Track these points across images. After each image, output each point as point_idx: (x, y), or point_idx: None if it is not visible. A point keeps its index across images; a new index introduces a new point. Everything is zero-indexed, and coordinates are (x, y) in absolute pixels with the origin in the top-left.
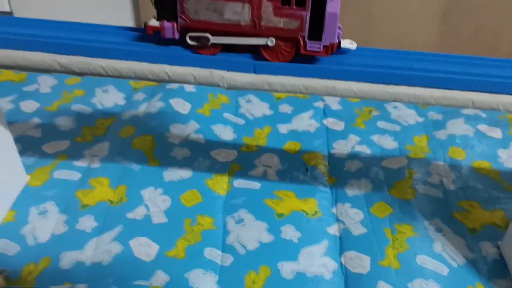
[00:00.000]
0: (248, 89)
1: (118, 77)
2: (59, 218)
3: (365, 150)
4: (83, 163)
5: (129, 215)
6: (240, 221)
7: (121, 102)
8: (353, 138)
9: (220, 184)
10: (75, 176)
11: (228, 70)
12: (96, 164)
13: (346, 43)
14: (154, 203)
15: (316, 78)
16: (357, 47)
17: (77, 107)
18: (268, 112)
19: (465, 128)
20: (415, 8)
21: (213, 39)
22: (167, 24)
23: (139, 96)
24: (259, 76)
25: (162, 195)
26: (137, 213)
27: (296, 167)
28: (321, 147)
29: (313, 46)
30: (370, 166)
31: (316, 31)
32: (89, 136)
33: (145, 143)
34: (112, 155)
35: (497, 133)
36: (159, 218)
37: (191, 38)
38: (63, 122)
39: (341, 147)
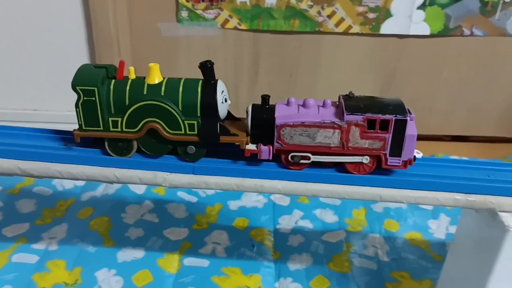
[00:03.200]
0: (187, 188)
1: (72, 179)
2: None
3: (307, 224)
4: (41, 245)
5: None
6: None
7: (81, 183)
8: (297, 213)
9: (171, 263)
10: (33, 259)
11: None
12: (53, 247)
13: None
14: (108, 284)
15: (247, 178)
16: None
17: (38, 189)
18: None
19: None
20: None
21: (313, 158)
22: (263, 148)
23: None
24: (196, 177)
25: (115, 276)
26: None
27: (243, 243)
28: (268, 223)
29: (393, 161)
30: (311, 240)
31: (396, 149)
32: (48, 218)
33: (102, 224)
34: (69, 237)
35: (428, 205)
36: None
37: (292, 157)
38: (24, 205)
39: (286, 222)
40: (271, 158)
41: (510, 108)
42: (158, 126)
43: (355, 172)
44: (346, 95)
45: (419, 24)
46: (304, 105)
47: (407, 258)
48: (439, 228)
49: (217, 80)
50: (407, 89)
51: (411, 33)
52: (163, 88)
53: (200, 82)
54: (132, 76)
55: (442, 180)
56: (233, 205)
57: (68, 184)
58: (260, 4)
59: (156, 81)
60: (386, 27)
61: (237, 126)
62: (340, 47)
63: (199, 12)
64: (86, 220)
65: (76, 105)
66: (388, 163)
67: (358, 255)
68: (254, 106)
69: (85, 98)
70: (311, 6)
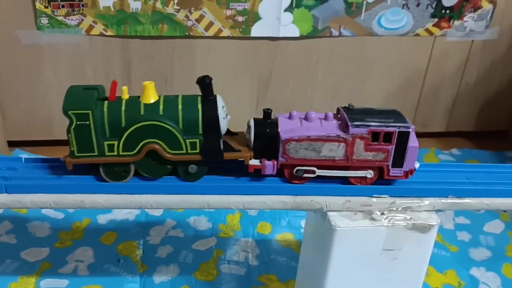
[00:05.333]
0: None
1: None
2: None
3: (179, 234)
4: None
5: None
6: None
7: None
8: (170, 223)
9: (25, 286)
10: None
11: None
12: None
13: None
14: None
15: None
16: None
17: None
18: None
19: None
20: (233, 98)
21: (318, 172)
22: (267, 163)
23: None
24: (11, 196)
25: None
26: None
27: (108, 259)
28: (137, 235)
29: (395, 172)
30: (180, 250)
31: (398, 160)
32: None
33: None
34: None
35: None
36: None
37: (297, 171)
38: None
39: (157, 233)
40: (275, 173)
41: (383, 103)
42: (158, 147)
43: (357, 184)
44: (346, 107)
45: (288, 26)
46: (306, 118)
47: (276, 260)
48: None
49: (215, 95)
50: (285, 90)
51: (281, 35)
52: (161, 107)
53: (199, 98)
54: (126, 96)
55: (269, 183)
56: (103, 219)
57: None
58: (125, 9)
59: (152, 100)
60: (256, 30)
61: (237, 141)
62: (213, 51)
63: (60, 18)
64: None
65: (68, 131)
66: (391, 174)
67: (227, 261)
68: (256, 120)
69: (78, 122)
70: (178, 10)
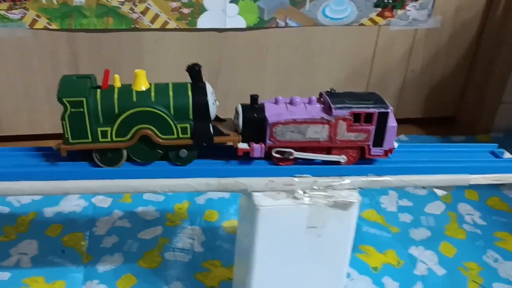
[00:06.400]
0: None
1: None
2: None
3: (125, 224)
4: None
5: None
6: None
7: None
8: (117, 214)
9: None
10: None
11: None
12: None
13: None
14: None
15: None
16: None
17: None
18: (38, 196)
19: None
20: None
21: (296, 154)
22: (256, 146)
23: None
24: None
25: None
26: None
27: (53, 250)
28: (84, 227)
29: (376, 151)
30: (126, 239)
31: (378, 140)
32: None
33: None
34: None
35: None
36: None
37: (276, 152)
38: None
39: (103, 224)
40: (263, 155)
41: None
42: (151, 132)
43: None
44: (328, 91)
45: (234, 17)
46: (291, 102)
47: (221, 247)
48: None
49: (204, 82)
50: (235, 81)
51: (228, 26)
52: (152, 94)
53: (189, 85)
54: (118, 84)
55: (196, 166)
56: (49, 211)
57: None
58: (68, 2)
59: (143, 88)
60: (203, 22)
61: (225, 126)
62: (160, 43)
63: (2, 12)
64: None
65: (62, 118)
66: (372, 153)
67: (172, 249)
68: (244, 106)
69: (72, 110)
70: (122, 3)
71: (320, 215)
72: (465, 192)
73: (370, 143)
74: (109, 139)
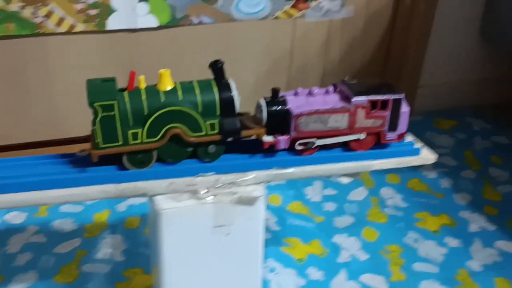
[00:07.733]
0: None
1: None
2: None
3: (40, 239)
4: None
5: None
6: None
7: None
8: (31, 229)
9: None
10: None
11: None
12: None
13: None
14: None
15: None
16: None
17: None
18: None
19: None
20: None
21: (318, 142)
22: (281, 138)
23: None
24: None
25: None
26: None
27: None
28: None
29: (390, 136)
30: (40, 255)
31: (393, 125)
32: None
33: None
34: None
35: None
36: None
37: (300, 144)
38: None
39: (17, 241)
40: (287, 147)
41: (254, 88)
42: (181, 131)
43: (358, 149)
44: (342, 81)
45: (145, 16)
46: (310, 93)
47: (142, 254)
48: None
49: (227, 78)
50: (151, 81)
51: (140, 26)
52: (179, 93)
53: (212, 82)
54: (143, 85)
55: (93, 173)
56: None
57: None
58: None
59: (169, 87)
60: (113, 23)
61: (247, 120)
62: (69, 47)
63: None
64: None
65: (93, 123)
66: (387, 138)
67: (90, 261)
68: (266, 99)
69: (103, 114)
70: (23, 7)
71: (226, 213)
72: (386, 176)
73: (386, 128)
74: (139, 140)
